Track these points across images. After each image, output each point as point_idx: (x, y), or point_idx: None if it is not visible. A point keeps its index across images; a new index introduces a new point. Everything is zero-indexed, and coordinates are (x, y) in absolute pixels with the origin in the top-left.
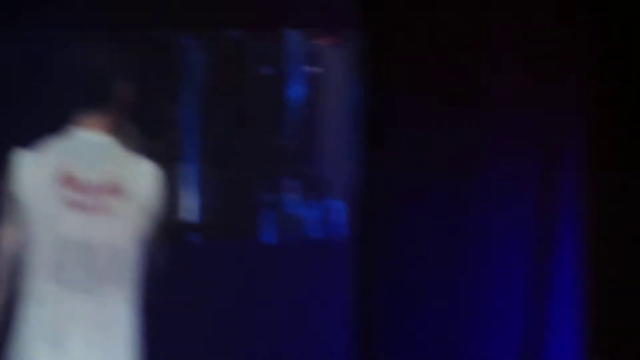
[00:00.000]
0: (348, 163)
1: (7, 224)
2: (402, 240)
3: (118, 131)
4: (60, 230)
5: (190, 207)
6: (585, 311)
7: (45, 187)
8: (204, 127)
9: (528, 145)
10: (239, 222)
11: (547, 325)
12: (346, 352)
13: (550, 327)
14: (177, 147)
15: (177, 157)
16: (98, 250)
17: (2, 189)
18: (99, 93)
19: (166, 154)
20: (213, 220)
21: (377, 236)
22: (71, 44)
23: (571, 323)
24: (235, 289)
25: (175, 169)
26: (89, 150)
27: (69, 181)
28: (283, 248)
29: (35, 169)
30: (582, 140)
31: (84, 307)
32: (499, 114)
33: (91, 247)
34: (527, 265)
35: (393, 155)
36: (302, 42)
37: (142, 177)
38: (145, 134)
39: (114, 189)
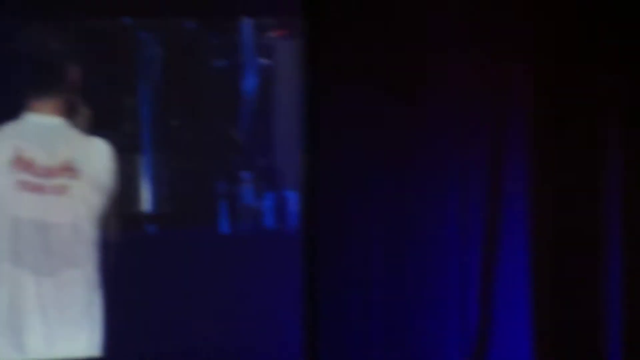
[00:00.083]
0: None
1: None
2: (349, 229)
3: (70, 113)
4: (16, 213)
5: (146, 197)
6: (532, 300)
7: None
8: (160, 119)
9: (473, 135)
10: (195, 212)
11: (494, 313)
12: (297, 339)
13: (498, 314)
14: (134, 139)
15: (135, 149)
16: (54, 230)
17: None
18: (48, 77)
19: (123, 145)
20: (169, 210)
21: (323, 225)
22: (19, 30)
23: (519, 310)
24: (190, 278)
25: (133, 161)
26: (42, 133)
27: (23, 164)
28: (237, 238)
29: None
30: (527, 130)
31: (42, 288)
32: (444, 103)
33: (47, 228)
34: (474, 253)
35: (338, 145)
36: (256, 34)
37: (95, 155)
38: (103, 125)
39: (68, 169)
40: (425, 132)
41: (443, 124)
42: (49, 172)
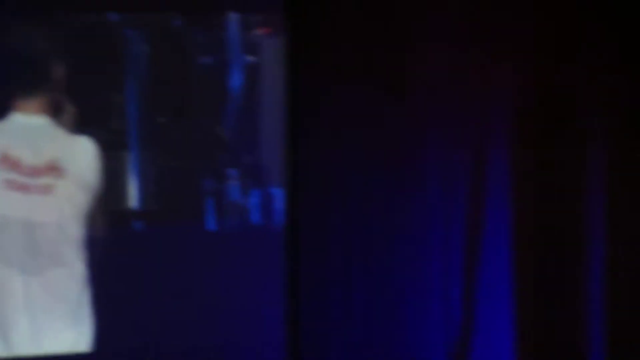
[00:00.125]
0: (288, 150)
1: None
2: (332, 226)
3: (55, 111)
4: (2, 212)
5: (133, 194)
6: (514, 299)
7: None
8: (147, 116)
9: (456, 134)
10: (181, 209)
11: (477, 312)
12: (281, 336)
13: (480, 313)
14: (121, 136)
15: (122, 146)
16: (40, 230)
17: None
18: (33, 76)
19: (111, 143)
20: (156, 207)
21: (305, 223)
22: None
23: (502, 309)
24: (176, 274)
25: (120, 158)
26: (27, 133)
27: (9, 163)
28: (224, 235)
29: None
30: (510, 129)
31: (30, 288)
32: (427, 102)
33: (33, 227)
34: (457, 252)
35: (321, 143)
36: (242, 32)
37: (80, 155)
38: (90, 122)
39: (53, 169)
40: (409, 131)
41: (426, 123)
42: (34, 172)
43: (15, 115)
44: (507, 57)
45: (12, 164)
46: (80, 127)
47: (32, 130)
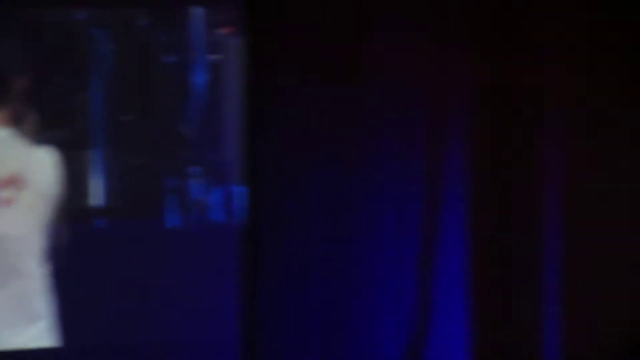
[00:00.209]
0: (246, 147)
1: None
2: (288, 224)
3: (17, 122)
4: None
5: (96, 192)
6: (470, 298)
7: None
8: (111, 115)
9: (413, 128)
10: (144, 207)
11: (432, 310)
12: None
13: (435, 311)
14: (85, 135)
15: (85, 145)
16: (2, 242)
17: None
18: None
19: (75, 142)
20: (118, 205)
21: (261, 221)
22: None
23: (457, 307)
24: (137, 271)
25: (84, 156)
26: None
27: None
28: (185, 232)
29: None
30: (467, 123)
31: None
32: (386, 99)
33: None
34: (412, 249)
35: (278, 140)
36: (206, 31)
37: (42, 166)
38: (55, 122)
39: (15, 181)
40: (366, 128)
41: (383, 120)
42: None
43: None
44: (464, 53)
45: None
46: (44, 127)
47: None
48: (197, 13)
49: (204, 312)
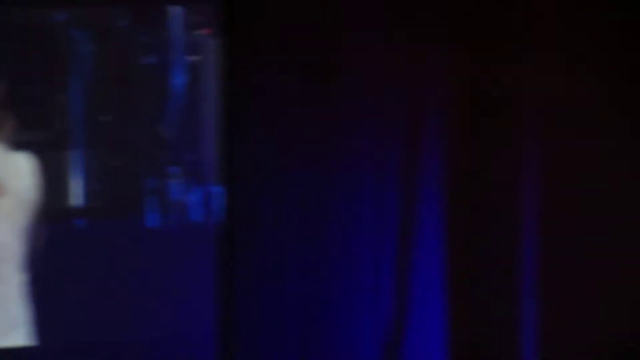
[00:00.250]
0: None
1: None
2: (265, 223)
3: None
4: None
5: (76, 192)
6: (447, 298)
7: None
8: (90, 116)
9: (390, 126)
10: (123, 207)
11: (409, 309)
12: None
13: (412, 310)
14: (64, 135)
15: (65, 145)
16: None
17: None
18: None
19: (54, 142)
20: (98, 205)
21: (238, 220)
22: None
23: (434, 306)
24: (116, 271)
25: (63, 157)
26: None
27: None
28: (164, 232)
29: None
30: (445, 119)
31: None
32: (363, 99)
33: None
34: (389, 248)
35: (254, 137)
36: (184, 32)
37: (20, 172)
38: (34, 123)
39: None
40: (343, 127)
41: (360, 119)
42: None
43: None
44: (442, 52)
45: None
46: (23, 128)
47: None
48: (177, 14)
49: (182, 311)
